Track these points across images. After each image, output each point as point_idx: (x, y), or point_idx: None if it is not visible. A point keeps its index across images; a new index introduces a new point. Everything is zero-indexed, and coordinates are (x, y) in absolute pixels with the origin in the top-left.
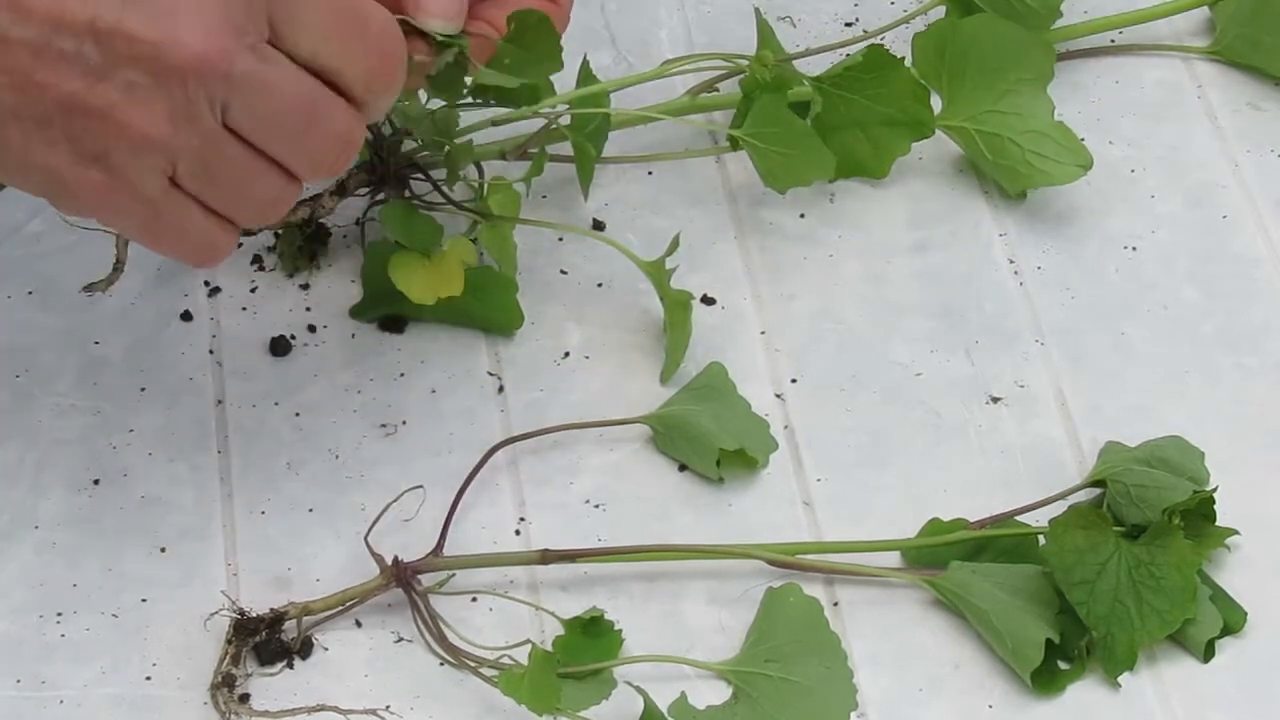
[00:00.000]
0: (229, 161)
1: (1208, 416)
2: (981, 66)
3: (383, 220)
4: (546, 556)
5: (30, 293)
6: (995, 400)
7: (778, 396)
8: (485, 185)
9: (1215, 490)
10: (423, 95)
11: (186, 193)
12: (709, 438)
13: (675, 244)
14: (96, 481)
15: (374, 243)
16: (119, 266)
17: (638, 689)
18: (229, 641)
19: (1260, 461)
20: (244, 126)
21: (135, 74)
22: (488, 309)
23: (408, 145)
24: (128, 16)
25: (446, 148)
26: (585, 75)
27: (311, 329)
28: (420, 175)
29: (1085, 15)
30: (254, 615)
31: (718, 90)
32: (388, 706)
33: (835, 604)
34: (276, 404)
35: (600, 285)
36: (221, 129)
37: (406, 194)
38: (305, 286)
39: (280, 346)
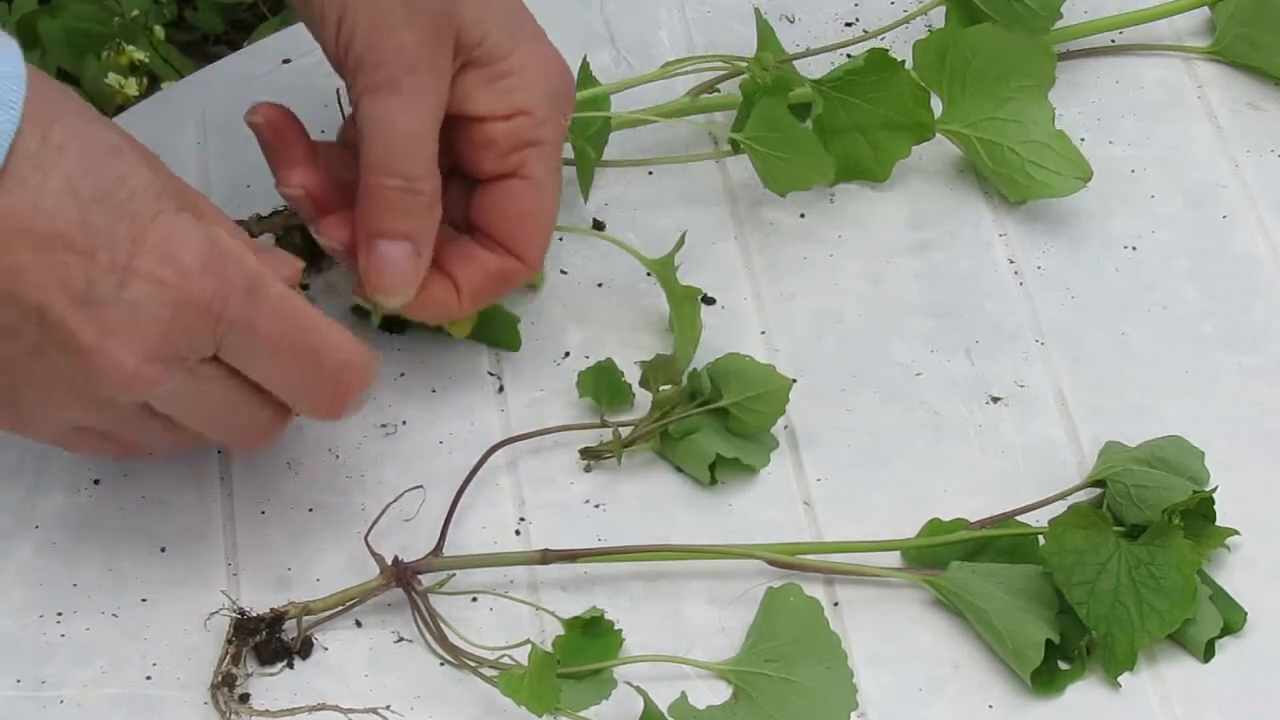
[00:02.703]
0: (146, 430)
1: (1208, 416)
2: (982, 74)
3: None
4: (546, 556)
5: None
6: (995, 400)
7: None
8: None
9: (1215, 490)
10: None
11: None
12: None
13: (681, 241)
14: (96, 481)
15: None
16: None
17: (638, 689)
18: (229, 641)
19: (1260, 461)
20: (169, 411)
21: (66, 364)
22: (490, 332)
23: None
24: (73, 315)
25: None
26: (585, 76)
27: None
28: None
29: (1085, 15)
30: (254, 615)
31: (718, 91)
32: (388, 706)
33: (835, 604)
34: None
35: (600, 285)
36: (142, 410)
37: None
38: (305, 286)
39: None
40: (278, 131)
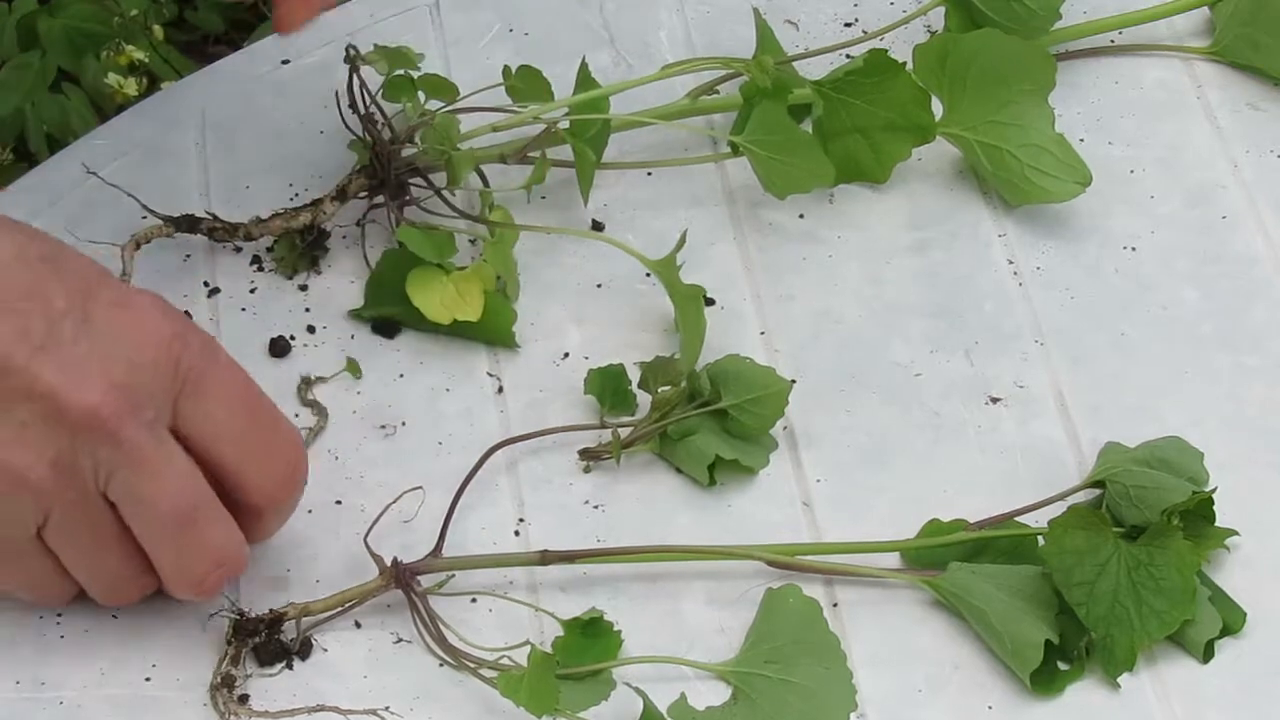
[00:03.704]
0: (96, 530)
1: (1208, 416)
2: (982, 78)
3: (400, 240)
4: (546, 557)
5: None
6: (995, 400)
7: None
8: (489, 206)
9: (1215, 490)
10: (421, 97)
11: (46, 545)
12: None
13: (683, 241)
14: None
15: (390, 250)
16: (126, 278)
17: (637, 690)
18: (229, 642)
19: (1260, 461)
20: (121, 502)
21: (28, 413)
22: (485, 332)
23: (407, 151)
24: (37, 360)
25: (447, 154)
26: (584, 78)
27: (311, 329)
28: (419, 181)
29: (1085, 16)
30: (254, 616)
31: (717, 93)
32: (387, 707)
33: (835, 604)
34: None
35: (600, 285)
36: (99, 495)
37: (406, 199)
38: (304, 287)
39: (280, 347)
40: None
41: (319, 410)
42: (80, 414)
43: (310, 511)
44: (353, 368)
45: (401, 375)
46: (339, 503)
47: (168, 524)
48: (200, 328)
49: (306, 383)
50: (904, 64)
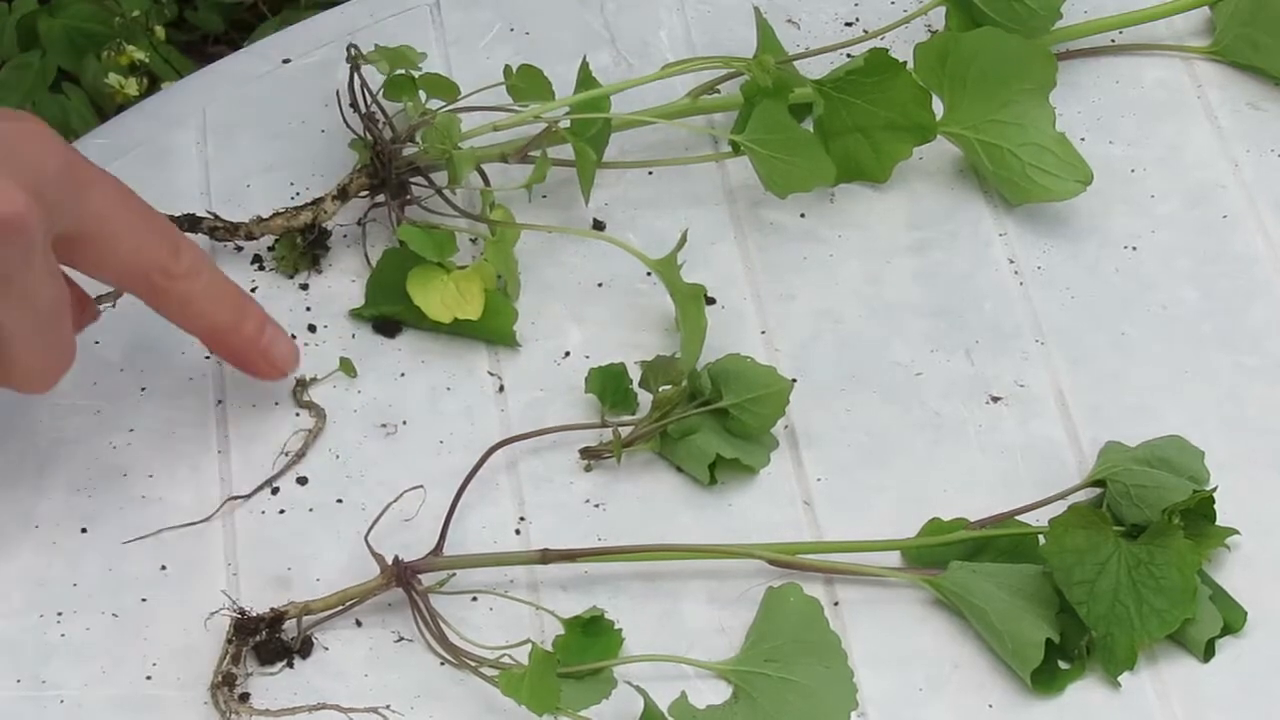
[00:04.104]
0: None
1: (1208, 416)
2: (983, 77)
3: (401, 239)
4: (546, 556)
5: None
6: (995, 400)
7: None
8: (489, 205)
9: (1215, 490)
10: (422, 96)
11: None
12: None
13: (684, 240)
14: (96, 482)
15: (390, 249)
16: None
17: (638, 689)
18: (229, 641)
19: (1260, 461)
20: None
21: None
22: (486, 331)
23: (408, 150)
24: None
25: (448, 153)
26: (585, 77)
27: (311, 329)
28: (420, 180)
29: (1085, 15)
30: (254, 615)
31: (718, 92)
32: (388, 706)
33: (835, 604)
34: (276, 404)
35: (601, 284)
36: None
37: (407, 198)
38: (305, 287)
39: None
40: None
41: (316, 411)
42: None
43: (311, 511)
44: (347, 367)
45: (402, 374)
46: (340, 501)
47: (42, 320)
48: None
49: (302, 384)
50: (905, 63)
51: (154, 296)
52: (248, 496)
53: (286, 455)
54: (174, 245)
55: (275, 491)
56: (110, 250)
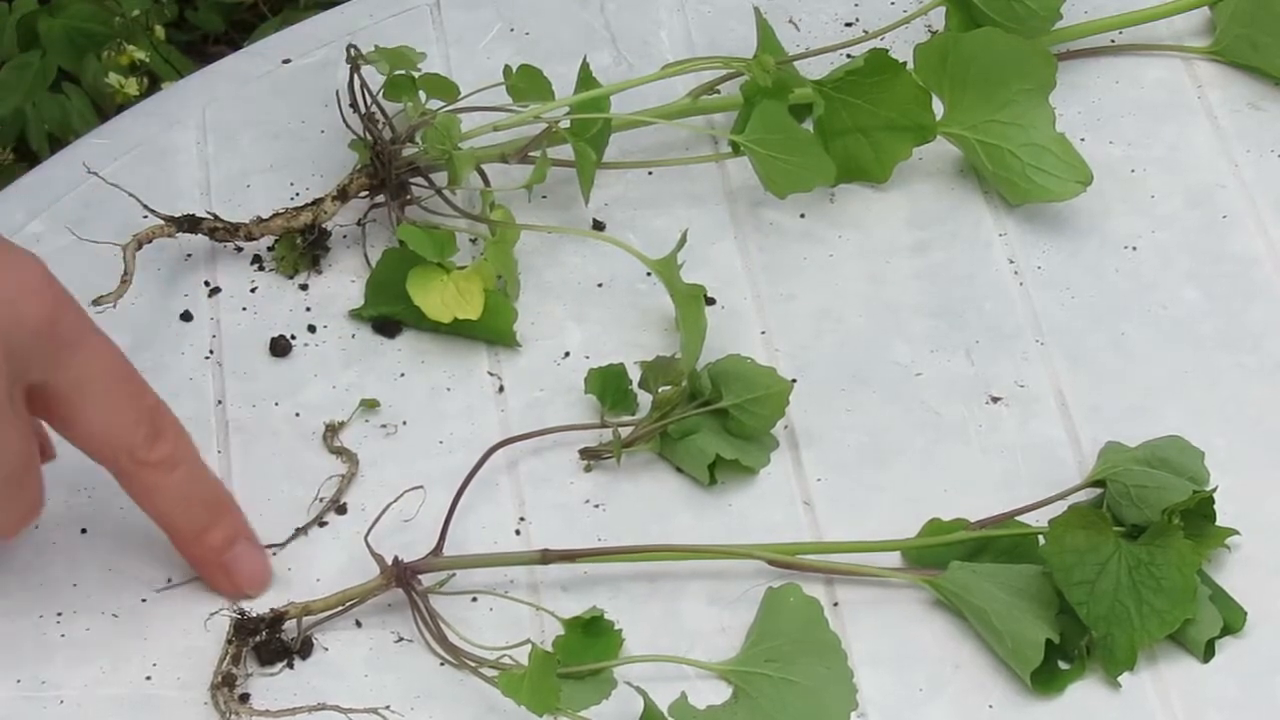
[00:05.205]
0: None
1: (1208, 416)
2: (983, 77)
3: (401, 239)
4: (546, 556)
5: None
6: (995, 400)
7: None
8: (489, 205)
9: (1215, 490)
10: (422, 96)
11: None
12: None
13: (683, 240)
14: (96, 482)
15: (390, 250)
16: (127, 278)
17: (638, 689)
18: (229, 641)
19: (1260, 461)
20: None
21: None
22: (486, 331)
23: (407, 150)
24: None
25: (448, 153)
26: (585, 77)
27: (311, 329)
28: (420, 180)
29: (1085, 15)
30: (254, 615)
31: (718, 92)
32: (388, 706)
33: (835, 604)
34: (276, 404)
35: (601, 285)
36: None
37: (407, 198)
38: (305, 287)
39: (280, 346)
40: None
41: (349, 457)
42: None
43: (311, 511)
44: (369, 404)
45: (402, 374)
46: (340, 501)
47: (5, 471)
48: (72, 298)
49: (332, 429)
50: (905, 64)
51: (119, 477)
52: (282, 545)
53: (321, 501)
54: (153, 430)
55: (305, 532)
56: (80, 419)
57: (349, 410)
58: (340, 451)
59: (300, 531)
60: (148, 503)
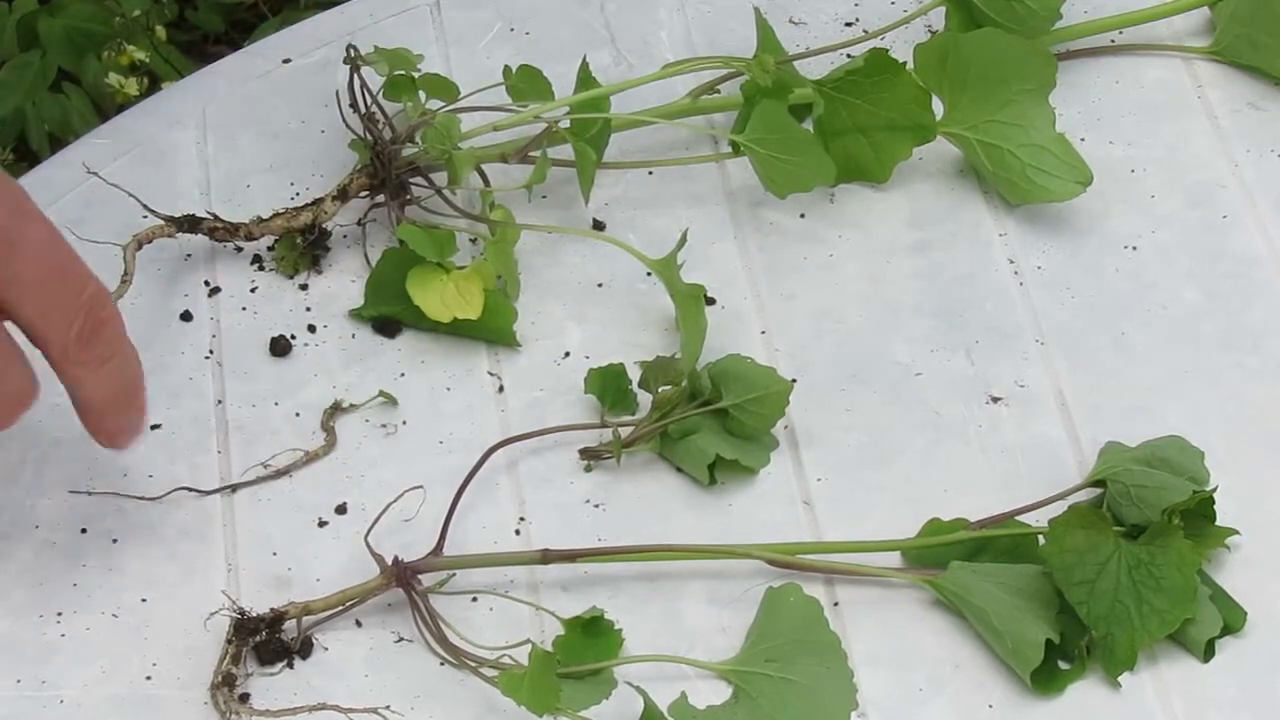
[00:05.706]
0: None
1: (1208, 416)
2: (983, 77)
3: (400, 239)
4: (546, 556)
5: None
6: (995, 400)
7: None
8: (489, 205)
9: (1215, 490)
10: (422, 96)
11: None
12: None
13: (684, 240)
14: (96, 481)
15: (390, 250)
16: (127, 278)
17: (638, 689)
18: (229, 641)
19: (1260, 461)
20: None
21: None
22: (486, 331)
23: (407, 150)
24: None
25: (448, 153)
26: (585, 77)
27: (311, 329)
28: (420, 180)
29: (1085, 15)
30: (254, 615)
31: (718, 92)
32: (388, 706)
33: (835, 604)
34: (276, 404)
35: (601, 285)
36: None
37: (407, 198)
38: (305, 287)
39: (280, 346)
40: None
41: (331, 437)
42: None
43: (312, 510)
44: (387, 397)
45: (402, 374)
46: (340, 502)
47: None
48: (14, 184)
49: (336, 409)
50: (905, 63)
51: (52, 366)
52: (207, 493)
53: (265, 467)
54: (89, 325)
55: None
56: (17, 315)
57: (349, 409)
58: (329, 430)
59: (229, 488)
60: (73, 388)
